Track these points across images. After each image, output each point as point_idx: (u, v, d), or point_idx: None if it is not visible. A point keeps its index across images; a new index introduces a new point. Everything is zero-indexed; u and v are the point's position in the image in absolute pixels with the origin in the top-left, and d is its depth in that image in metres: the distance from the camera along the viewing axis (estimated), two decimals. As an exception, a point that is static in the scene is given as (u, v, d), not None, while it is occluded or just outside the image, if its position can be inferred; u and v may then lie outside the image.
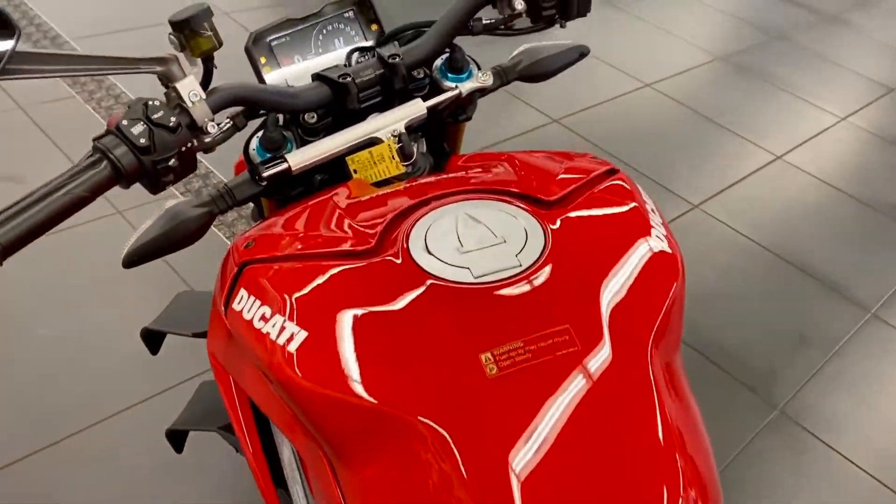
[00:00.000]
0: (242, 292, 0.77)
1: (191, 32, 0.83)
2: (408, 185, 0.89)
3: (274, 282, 0.76)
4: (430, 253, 0.77)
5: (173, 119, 0.79)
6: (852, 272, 2.68)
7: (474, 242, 0.78)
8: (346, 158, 0.96)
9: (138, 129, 0.78)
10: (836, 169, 3.26)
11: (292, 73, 1.03)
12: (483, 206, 0.82)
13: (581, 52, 1.13)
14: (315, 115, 0.97)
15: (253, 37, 1.00)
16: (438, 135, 1.08)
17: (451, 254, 0.77)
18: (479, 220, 0.79)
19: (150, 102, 0.79)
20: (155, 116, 0.79)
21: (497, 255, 0.77)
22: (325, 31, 1.04)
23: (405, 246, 0.77)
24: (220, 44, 0.87)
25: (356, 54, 1.05)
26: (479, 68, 1.06)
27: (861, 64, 4.19)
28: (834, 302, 2.55)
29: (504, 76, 1.08)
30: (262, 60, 1.01)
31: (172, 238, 0.91)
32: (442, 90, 1.04)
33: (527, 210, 0.83)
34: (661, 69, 3.74)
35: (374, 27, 1.07)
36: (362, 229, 0.80)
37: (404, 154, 0.95)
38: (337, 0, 1.05)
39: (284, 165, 0.92)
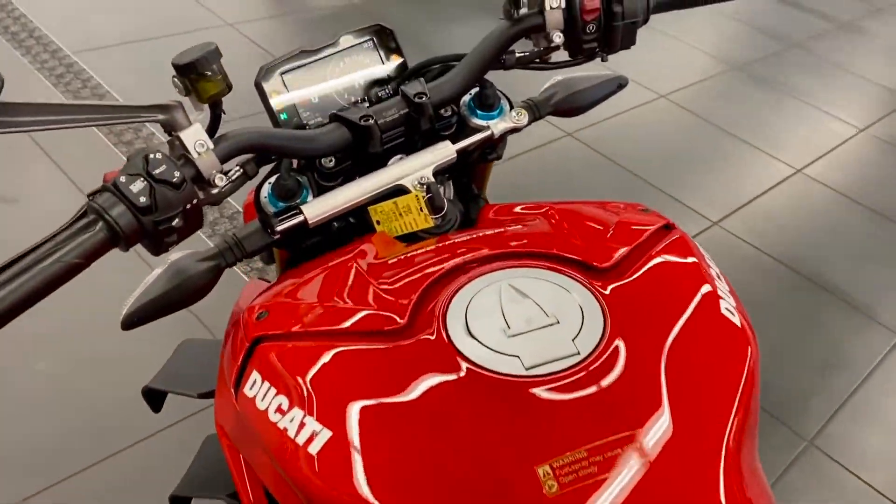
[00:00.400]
0: (255, 376, 0.68)
1: (197, 76, 0.74)
2: (439, 243, 0.80)
3: (292, 365, 0.66)
4: (471, 335, 0.68)
5: (177, 174, 0.71)
6: (878, 291, 2.59)
7: (523, 323, 0.68)
8: (369, 208, 0.88)
9: (138, 186, 0.69)
10: (857, 182, 3.17)
11: (301, 96, 0.94)
12: (529, 276, 0.72)
13: (619, 84, 1.05)
14: (333, 159, 0.89)
15: (263, 70, 0.92)
16: (465, 174, 1.00)
17: (496, 337, 0.67)
18: (526, 293, 0.70)
19: (152, 156, 0.71)
20: (157, 172, 0.70)
21: (550, 339, 0.67)
22: (342, 63, 0.95)
23: (442, 326, 0.68)
24: (230, 87, 0.78)
25: (376, 88, 0.96)
26: (511, 103, 0.98)
27: (878, 73, 4.10)
28: (860, 324, 2.45)
29: (536, 111, 1.00)
30: (274, 96, 0.92)
31: (177, 297, 0.83)
32: (471, 128, 0.95)
33: (579, 280, 0.73)
34: (675, 79, 3.65)
35: (396, 57, 0.98)
36: (392, 301, 0.71)
37: (434, 206, 0.86)
38: (355, 29, 0.96)
39: (300, 218, 0.84)
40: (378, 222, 0.87)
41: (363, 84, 0.97)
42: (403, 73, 0.97)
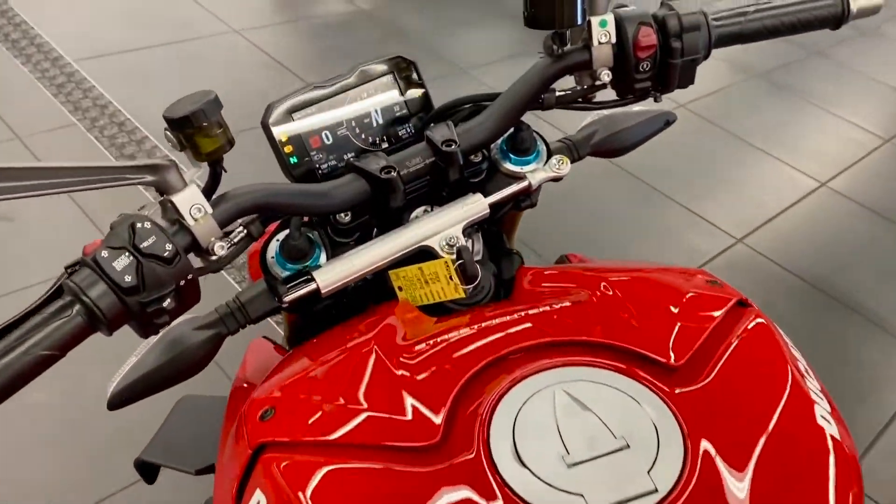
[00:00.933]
0: (259, 496, 0.58)
1: (193, 131, 0.65)
2: (473, 323, 0.69)
3: (302, 486, 0.56)
4: (521, 462, 0.56)
5: (169, 246, 0.61)
6: (910, 313, 2.48)
7: (585, 446, 0.56)
8: (390, 273, 0.78)
9: (122, 262, 0.59)
10: (884, 196, 3.05)
11: (313, 136, 0.84)
12: (588, 378, 0.61)
13: (668, 120, 0.95)
14: (349, 214, 0.79)
15: (271, 109, 0.82)
16: (493, 222, 0.90)
17: (553, 466, 0.56)
18: (586, 404, 0.59)
19: (139, 225, 0.61)
20: (145, 245, 0.60)
21: (621, 470, 0.55)
22: (358, 99, 0.86)
23: (485, 447, 0.57)
24: (232, 143, 0.68)
25: (396, 126, 0.87)
26: (548, 145, 0.88)
27: (902, 80, 3.98)
28: (891, 349, 2.35)
29: (575, 151, 0.90)
30: (283, 139, 0.82)
31: (172, 371, 0.74)
32: (503, 175, 0.85)
33: (649, 385, 0.62)
34: (693, 88, 3.52)
35: (418, 91, 0.88)
36: (423, 406, 0.60)
37: (466, 275, 0.76)
38: (371, 60, 0.87)
39: (312, 287, 0.74)
40: (400, 288, 0.77)
41: (382, 123, 0.87)
42: (428, 113, 0.87)
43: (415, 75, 0.88)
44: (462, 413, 0.60)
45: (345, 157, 0.86)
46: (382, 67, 0.87)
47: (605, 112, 0.92)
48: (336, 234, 0.81)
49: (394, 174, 0.76)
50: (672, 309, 0.67)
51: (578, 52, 0.82)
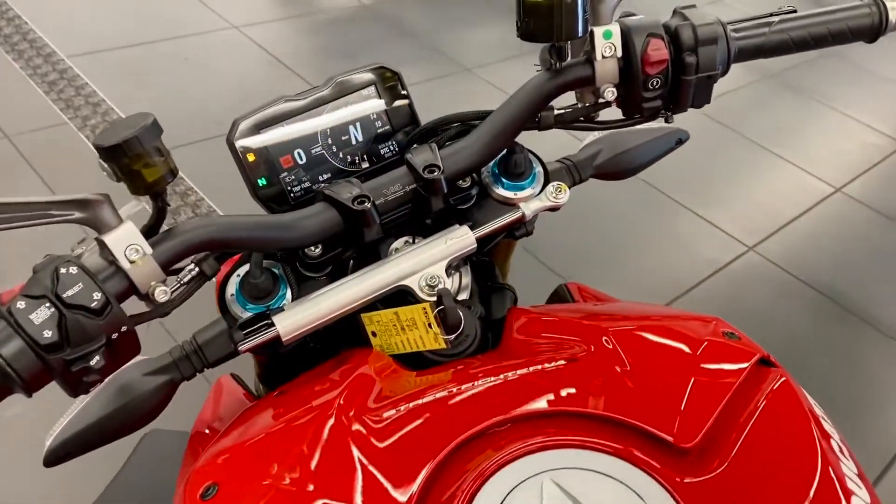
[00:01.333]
0: None
1: (130, 160, 0.56)
2: (454, 383, 0.61)
3: None
4: None
5: (98, 296, 0.53)
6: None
7: None
8: (363, 315, 0.70)
9: (42, 314, 0.51)
10: (900, 203, 2.95)
11: (284, 155, 0.75)
12: (582, 466, 0.52)
13: (679, 139, 0.86)
14: (319, 246, 0.71)
15: (237, 125, 0.74)
16: (483, 251, 0.81)
17: None
18: (578, 499, 0.50)
19: (63, 270, 0.52)
20: (69, 294, 0.52)
21: None
22: (335, 114, 0.77)
23: None
24: (175, 172, 0.60)
25: (378, 144, 0.78)
26: (545, 167, 0.79)
27: (919, 81, 3.87)
28: (910, 365, 2.25)
29: (576, 173, 0.82)
30: (251, 158, 0.74)
31: (117, 422, 0.66)
32: (495, 202, 0.77)
33: (653, 473, 0.53)
34: (704, 88, 3.43)
35: (402, 104, 0.79)
36: (389, 490, 0.51)
37: (447, 324, 0.67)
38: (351, 70, 0.78)
39: (271, 333, 0.66)
40: (374, 334, 0.69)
41: (362, 140, 0.79)
42: (410, 132, 0.79)
43: (399, 87, 0.80)
44: (437, 495, 0.51)
45: (320, 178, 0.77)
46: (363, 78, 0.79)
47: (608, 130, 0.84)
48: (305, 269, 0.72)
49: (368, 205, 0.68)
50: (682, 371, 0.58)
51: (580, 67, 0.73)
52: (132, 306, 0.59)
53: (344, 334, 0.73)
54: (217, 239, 0.62)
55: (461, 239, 0.71)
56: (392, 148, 0.80)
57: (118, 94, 2.75)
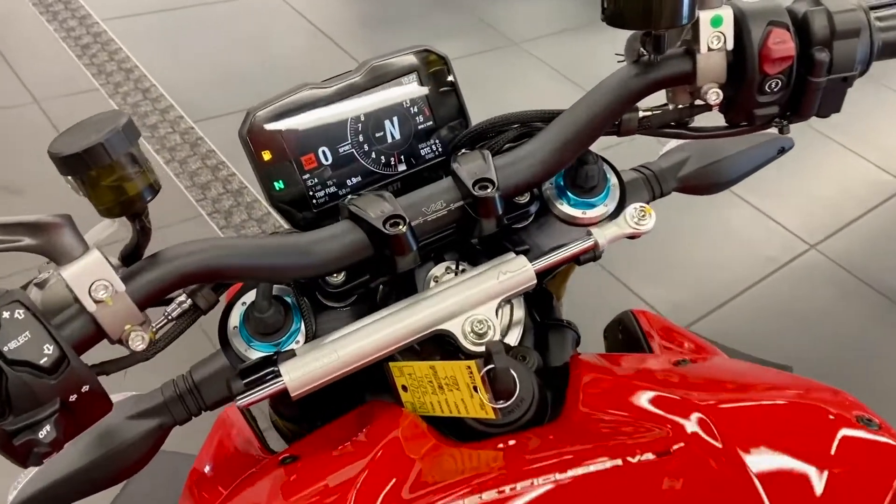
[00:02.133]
0: None
1: (98, 172, 0.45)
2: (505, 466, 0.48)
3: None
4: None
5: (50, 349, 0.41)
6: None
7: None
8: (391, 365, 0.57)
9: None
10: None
11: (306, 154, 0.63)
12: None
13: (782, 147, 0.72)
14: (342, 273, 0.59)
15: (251, 117, 0.62)
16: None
17: None
18: None
19: (6, 315, 0.41)
20: (11, 347, 0.40)
21: None
22: (369, 106, 0.65)
23: None
24: (156, 187, 0.48)
25: (419, 142, 0.66)
26: (620, 179, 0.66)
27: None
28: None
29: (657, 186, 0.68)
30: (266, 156, 0.62)
31: (97, 475, 0.55)
32: (557, 219, 0.64)
33: None
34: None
35: (450, 101, 0.67)
36: None
37: (496, 388, 0.55)
38: (388, 54, 0.65)
39: (277, 387, 0.54)
40: (405, 388, 0.57)
41: (399, 138, 0.66)
42: (457, 130, 0.66)
43: (446, 74, 0.67)
44: None
45: (349, 181, 0.65)
46: (403, 63, 0.66)
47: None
48: (324, 297, 0.60)
49: (403, 228, 0.55)
50: (813, 482, 0.45)
51: (677, 61, 0.59)
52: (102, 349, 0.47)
53: (368, 376, 0.61)
54: (212, 268, 0.50)
55: (518, 274, 0.58)
56: (435, 148, 0.67)
57: (152, 61, 2.65)
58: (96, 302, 0.45)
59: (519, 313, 0.63)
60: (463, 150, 0.62)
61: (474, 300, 0.57)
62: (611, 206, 0.65)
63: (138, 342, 0.47)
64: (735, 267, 2.31)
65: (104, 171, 0.44)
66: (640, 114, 0.62)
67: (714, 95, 0.58)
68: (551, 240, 0.64)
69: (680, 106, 0.62)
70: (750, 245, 2.40)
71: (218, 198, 2.18)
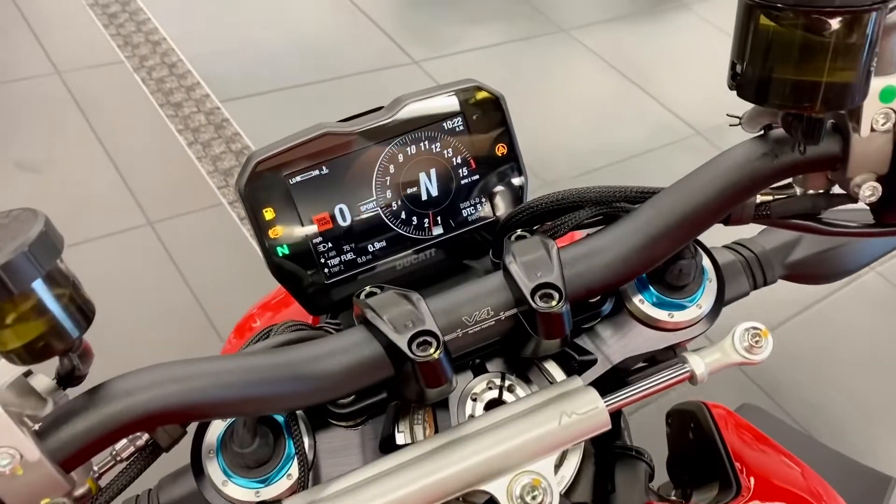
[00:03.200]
0: None
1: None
2: None
3: None
4: None
5: None
6: None
7: None
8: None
9: None
10: None
11: (319, 215, 0.50)
12: None
13: None
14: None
15: (252, 163, 0.49)
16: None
17: None
18: None
19: None
20: None
21: None
22: (399, 158, 0.51)
23: None
24: (90, 317, 0.35)
25: (461, 200, 0.53)
26: (719, 273, 0.52)
27: None
28: None
29: (760, 273, 0.54)
30: (268, 215, 0.49)
31: None
32: (635, 318, 0.50)
33: None
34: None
35: (501, 150, 0.53)
36: None
37: None
38: (429, 91, 0.52)
39: None
40: None
41: (437, 194, 0.53)
42: (509, 214, 0.52)
43: (499, 118, 0.53)
44: None
45: (370, 247, 0.52)
46: (445, 103, 0.52)
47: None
48: (331, 417, 0.47)
49: (435, 352, 0.41)
50: None
51: (824, 141, 0.44)
52: None
53: None
54: (173, 408, 0.37)
55: (587, 417, 0.44)
56: (480, 208, 0.54)
57: (181, 34, 2.53)
58: None
59: (576, 455, 0.49)
60: (519, 233, 0.48)
61: (527, 452, 0.43)
62: (705, 306, 0.51)
63: None
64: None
65: (3, 308, 0.32)
66: (758, 198, 0.48)
67: (869, 190, 0.44)
68: (625, 347, 0.50)
69: (811, 192, 0.47)
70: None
71: (241, 185, 2.06)
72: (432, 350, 0.41)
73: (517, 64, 2.68)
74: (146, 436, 0.42)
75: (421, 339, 0.42)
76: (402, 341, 0.41)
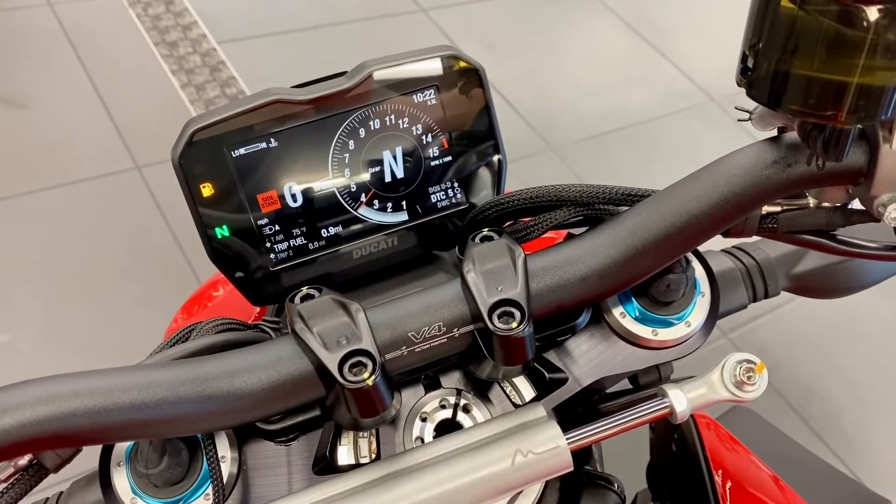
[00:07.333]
0: None
1: None
2: None
3: None
4: None
5: None
6: None
7: None
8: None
9: None
10: None
11: (264, 192, 0.44)
12: None
13: None
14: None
15: (188, 134, 0.42)
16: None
17: None
18: None
19: None
20: None
21: None
22: (360, 133, 0.45)
23: None
24: None
25: (430, 184, 0.46)
26: (714, 284, 0.46)
27: None
28: None
29: (762, 284, 0.48)
30: (206, 191, 0.43)
31: None
32: (615, 334, 0.45)
33: None
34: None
35: (478, 129, 0.46)
36: None
37: None
38: (402, 57, 0.45)
39: None
40: None
41: (404, 175, 0.46)
42: (474, 211, 0.46)
43: (478, 94, 0.46)
44: None
45: (324, 231, 0.46)
46: (418, 72, 0.45)
47: None
48: (255, 429, 0.42)
49: (369, 377, 0.36)
50: None
51: (850, 155, 0.37)
52: None
53: None
54: (49, 434, 0.32)
55: (547, 456, 0.38)
56: (451, 193, 0.47)
57: (214, 15, 2.42)
58: None
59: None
60: (484, 233, 0.42)
61: (474, 495, 0.38)
62: (695, 324, 0.45)
63: None
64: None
65: None
66: (764, 209, 0.41)
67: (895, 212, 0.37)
68: (601, 366, 0.44)
69: (827, 205, 0.41)
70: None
71: (234, 131, 1.99)
72: (366, 375, 0.35)
73: (531, 17, 2.58)
74: (29, 458, 0.36)
75: (354, 359, 0.36)
76: (332, 361, 0.35)
